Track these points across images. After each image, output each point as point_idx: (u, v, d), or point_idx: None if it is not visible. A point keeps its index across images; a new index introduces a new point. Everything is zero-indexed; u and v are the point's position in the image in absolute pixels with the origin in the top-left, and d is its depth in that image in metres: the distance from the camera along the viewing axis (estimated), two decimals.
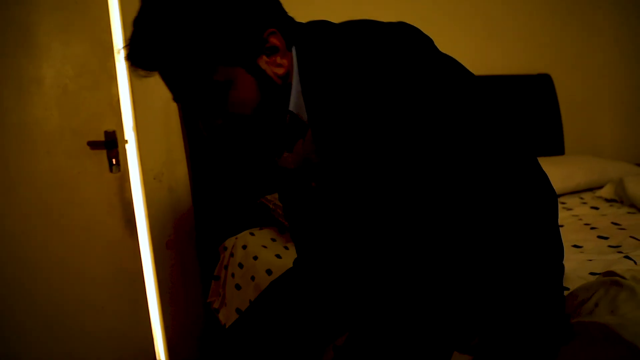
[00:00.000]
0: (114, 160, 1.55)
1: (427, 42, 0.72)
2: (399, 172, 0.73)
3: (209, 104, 0.72)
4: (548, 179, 0.74)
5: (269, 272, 1.41)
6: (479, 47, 2.37)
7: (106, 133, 1.54)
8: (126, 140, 1.64)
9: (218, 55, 0.69)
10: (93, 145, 1.54)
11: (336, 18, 0.83)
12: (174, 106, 1.73)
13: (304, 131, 0.78)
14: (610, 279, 0.80)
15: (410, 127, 0.69)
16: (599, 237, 1.28)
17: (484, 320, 0.75)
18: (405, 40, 0.70)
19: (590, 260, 1.09)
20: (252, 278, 1.47)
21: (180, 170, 1.76)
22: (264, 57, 0.73)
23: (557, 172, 1.95)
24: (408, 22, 0.77)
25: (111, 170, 1.56)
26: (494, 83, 2.35)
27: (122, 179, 1.60)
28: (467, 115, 0.70)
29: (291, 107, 0.75)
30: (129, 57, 0.69)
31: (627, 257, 1.08)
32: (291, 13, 0.80)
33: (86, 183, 1.54)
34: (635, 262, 1.07)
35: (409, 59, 0.68)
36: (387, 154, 0.72)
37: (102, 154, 1.55)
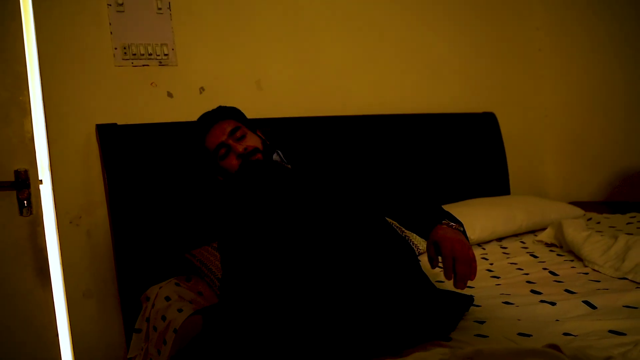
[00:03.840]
0: (25, 202, 1.43)
1: None
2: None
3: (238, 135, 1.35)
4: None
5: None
6: (426, 86, 2.39)
7: (16, 172, 1.42)
8: (40, 181, 1.51)
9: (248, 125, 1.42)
10: None
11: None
12: (94, 144, 1.61)
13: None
14: (551, 352, 0.78)
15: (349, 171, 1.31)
16: (532, 291, 1.24)
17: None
18: None
19: (519, 320, 1.05)
20: (175, 331, 1.34)
21: (100, 214, 1.63)
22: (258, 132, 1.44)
23: (500, 213, 1.93)
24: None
25: (21, 214, 1.43)
26: (441, 121, 2.36)
27: (34, 222, 1.47)
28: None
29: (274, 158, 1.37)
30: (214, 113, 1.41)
31: (558, 320, 1.04)
32: None
33: None
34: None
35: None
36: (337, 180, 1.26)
37: (11, 195, 1.42)
